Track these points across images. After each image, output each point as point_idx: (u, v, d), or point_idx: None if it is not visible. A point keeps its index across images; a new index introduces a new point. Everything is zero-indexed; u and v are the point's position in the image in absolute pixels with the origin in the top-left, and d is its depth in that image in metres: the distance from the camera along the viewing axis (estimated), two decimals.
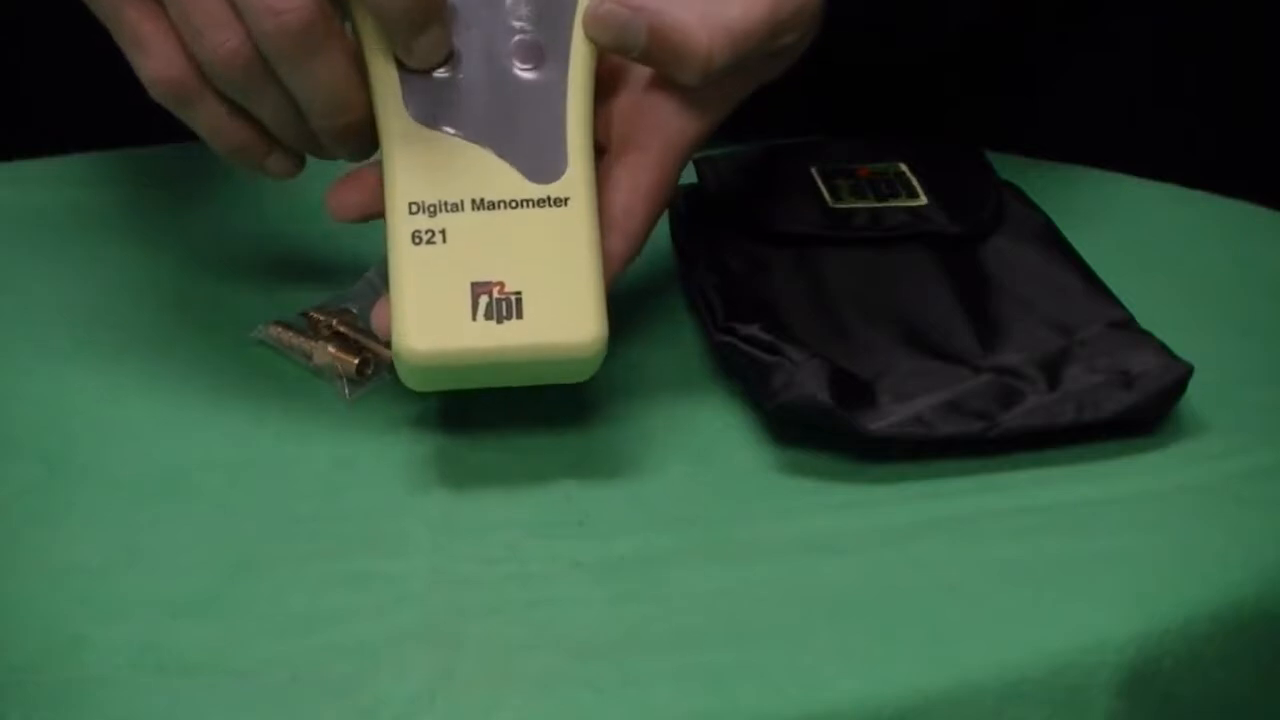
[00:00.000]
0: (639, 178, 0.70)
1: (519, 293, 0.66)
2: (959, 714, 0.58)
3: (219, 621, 0.61)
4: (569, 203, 0.67)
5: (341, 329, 0.73)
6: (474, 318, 0.65)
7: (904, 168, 0.81)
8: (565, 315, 0.66)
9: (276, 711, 0.57)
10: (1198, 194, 0.86)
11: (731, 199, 0.79)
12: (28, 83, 0.98)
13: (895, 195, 0.79)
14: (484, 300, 0.65)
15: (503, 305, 0.65)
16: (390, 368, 0.71)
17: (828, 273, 0.76)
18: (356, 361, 0.72)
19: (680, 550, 0.64)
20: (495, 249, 0.66)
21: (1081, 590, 0.62)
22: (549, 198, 0.67)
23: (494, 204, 0.67)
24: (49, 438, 0.69)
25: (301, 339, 0.74)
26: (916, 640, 0.60)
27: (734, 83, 0.71)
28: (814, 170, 0.81)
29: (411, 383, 0.67)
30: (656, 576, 0.63)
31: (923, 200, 0.79)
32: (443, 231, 0.66)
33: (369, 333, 0.73)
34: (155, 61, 0.67)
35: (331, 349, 0.72)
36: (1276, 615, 0.63)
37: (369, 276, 0.75)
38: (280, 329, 0.74)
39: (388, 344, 0.72)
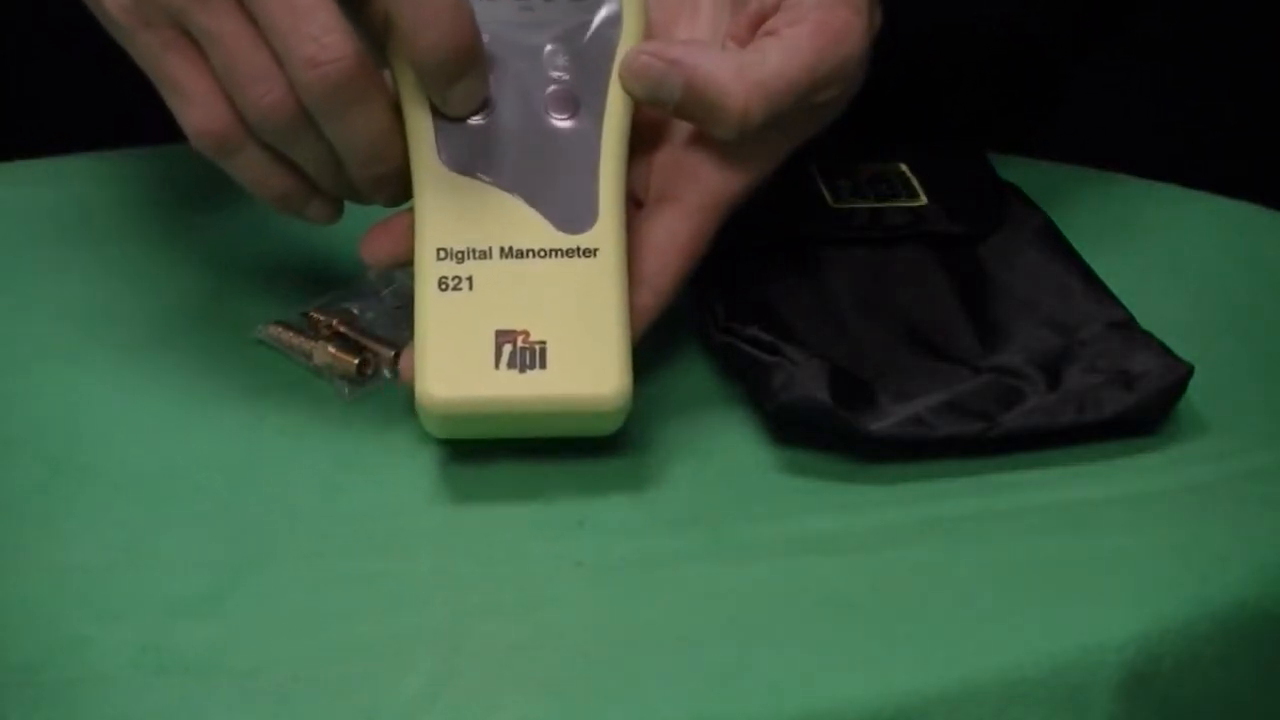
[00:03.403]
0: (674, 232, 0.70)
1: (544, 342, 0.65)
2: (959, 714, 0.58)
3: (219, 621, 0.61)
4: (598, 254, 0.66)
5: (341, 329, 0.73)
6: (497, 366, 0.65)
7: (904, 168, 0.81)
8: (589, 367, 0.65)
9: (277, 711, 0.57)
10: (1198, 194, 0.86)
11: None
12: (30, 83, 0.98)
13: (896, 195, 0.79)
14: (508, 349, 0.65)
15: (526, 355, 0.65)
16: (390, 367, 0.71)
17: (828, 273, 0.76)
18: (356, 361, 0.72)
19: (681, 550, 0.64)
20: (522, 298, 0.66)
21: (1081, 590, 0.62)
22: (578, 248, 0.66)
23: (522, 252, 0.66)
24: (51, 438, 0.69)
25: (301, 339, 0.74)
26: (916, 640, 0.60)
27: (776, 138, 0.70)
28: (814, 170, 0.81)
29: (433, 429, 0.66)
30: (657, 577, 0.63)
31: (923, 200, 0.79)
32: (469, 278, 0.66)
33: (369, 333, 0.73)
34: (198, 113, 0.67)
35: (331, 349, 0.72)
36: (1276, 615, 0.63)
37: (370, 276, 0.75)
38: (280, 329, 0.74)
39: (388, 344, 0.72)
